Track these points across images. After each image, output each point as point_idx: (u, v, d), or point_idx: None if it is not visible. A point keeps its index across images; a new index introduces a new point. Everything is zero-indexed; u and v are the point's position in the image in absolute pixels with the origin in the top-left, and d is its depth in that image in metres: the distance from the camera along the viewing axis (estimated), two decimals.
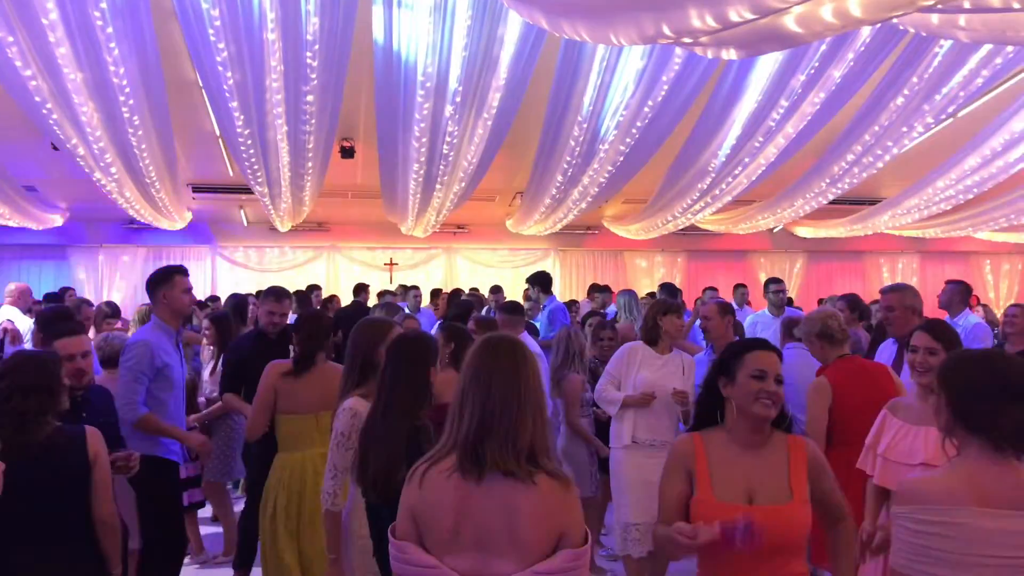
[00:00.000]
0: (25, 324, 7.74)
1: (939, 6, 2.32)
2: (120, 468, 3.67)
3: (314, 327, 4.46)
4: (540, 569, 2.14)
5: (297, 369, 4.32)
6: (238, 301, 7.41)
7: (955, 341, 3.39)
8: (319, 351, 4.39)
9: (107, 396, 4.03)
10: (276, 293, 5.45)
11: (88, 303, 8.14)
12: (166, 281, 4.64)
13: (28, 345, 7.59)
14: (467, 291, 10.93)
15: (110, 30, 5.22)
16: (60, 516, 2.99)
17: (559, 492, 2.18)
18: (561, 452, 5.66)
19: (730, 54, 3.07)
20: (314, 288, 11.28)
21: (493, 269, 14.66)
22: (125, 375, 4.38)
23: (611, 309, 9.46)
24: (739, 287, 10.65)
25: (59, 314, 5.14)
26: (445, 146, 7.31)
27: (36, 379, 3.03)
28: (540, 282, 8.77)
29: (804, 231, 14.42)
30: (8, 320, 7.08)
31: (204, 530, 6.13)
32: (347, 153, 9.24)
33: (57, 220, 11.85)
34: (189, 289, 4.77)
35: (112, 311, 8.16)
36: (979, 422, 2.23)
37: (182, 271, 4.76)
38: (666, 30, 2.66)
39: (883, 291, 5.08)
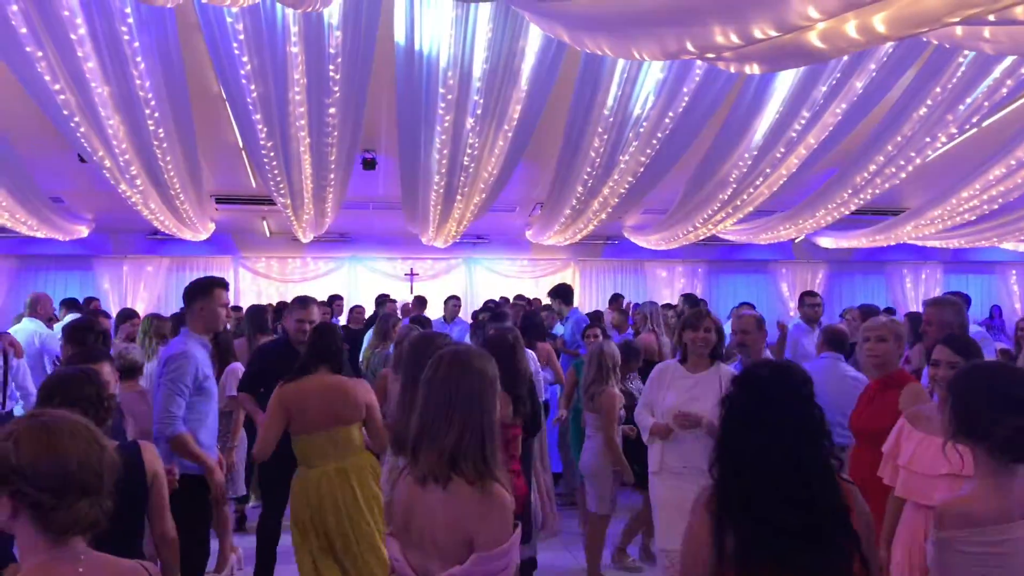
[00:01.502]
0: (40, 335, 7.83)
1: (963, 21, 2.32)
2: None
3: (318, 340, 4.51)
4: (455, 572, 2.26)
5: (295, 375, 4.36)
6: (256, 312, 7.41)
7: (977, 354, 3.35)
8: (322, 364, 4.43)
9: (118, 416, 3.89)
10: (303, 300, 5.49)
11: (106, 315, 8.22)
12: (206, 293, 4.56)
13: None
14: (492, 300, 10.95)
15: (136, 44, 5.29)
16: (120, 537, 2.97)
17: (474, 498, 2.29)
18: (584, 467, 5.65)
19: (753, 69, 3.07)
20: (335, 298, 11.30)
21: (513, 279, 14.67)
22: (165, 388, 4.24)
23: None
24: (808, 294, 10.10)
25: (85, 326, 5.17)
26: (466, 158, 7.34)
27: (85, 391, 2.96)
28: (561, 295, 8.83)
29: (826, 242, 14.33)
30: (5, 332, 7.12)
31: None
32: (369, 165, 9.29)
33: (83, 231, 11.97)
34: (227, 304, 4.71)
35: (129, 313, 8.36)
36: (977, 430, 2.32)
37: (223, 284, 4.68)
38: (689, 46, 2.66)
39: (925, 303, 4.96)
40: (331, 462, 4.28)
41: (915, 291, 15.93)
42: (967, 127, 7.33)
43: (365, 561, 4.20)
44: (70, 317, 8.18)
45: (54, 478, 1.71)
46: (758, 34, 2.34)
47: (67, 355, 4.88)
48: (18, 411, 6.50)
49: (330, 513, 4.19)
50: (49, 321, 8.14)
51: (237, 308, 10.86)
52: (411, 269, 14.38)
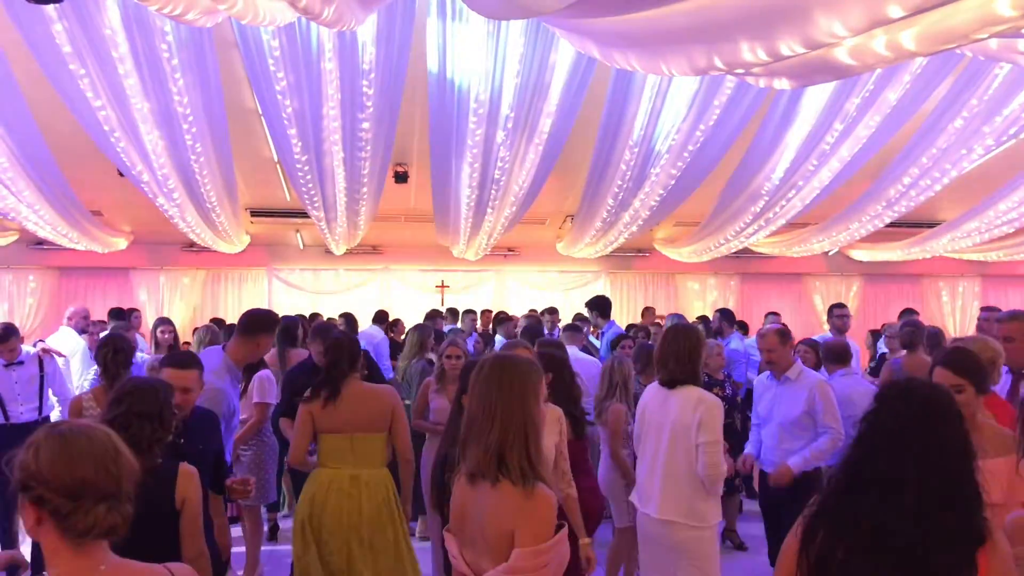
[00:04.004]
0: (76, 344, 8.04)
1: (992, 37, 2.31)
2: (237, 492, 3.70)
3: (338, 354, 4.45)
4: (499, 569, 2.37)
5: (324, 397, 4.35)
6: (289, 325, 7.39)
7: (980, 371, 3.13)
8: (344, 378, 4.40)
9: (207, 421, 3.87)
10: (323, 334, 5.50)
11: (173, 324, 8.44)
12: (272, 328, 4.71)
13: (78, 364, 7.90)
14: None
15: (175, 61, 5.41)
16: (144, 558, 2.99)
17: (515, 496, 2.38)
18: (600, 481, 5.63)
19: (782, 84, 3.07)
20: (385, 316, 11.16)
21: (543, 291, 14.68)
22: None
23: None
24: (908, 311, 9.37)
25: (103, 343, 5.22)
26: (497, 171, 7.38)
27: (151, 406, 3.00)
28: (599, 307, 8.75)
29: (860, 254, 14.18)
30: (41, 340, 7.36)
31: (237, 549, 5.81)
32: (401, 178, 9.38)
33: (121, 243, 12.20)
34: None
35: (163, 320, 8.69)
36: None
37: None
38: (717, 62, 2.68)
39: (1000, 319, 4.75)
40: (347, 468, 4.31)
41: (952, 304, 15.69)
42: (1004, 139, 7.24)
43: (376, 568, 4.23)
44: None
45: (70, 483, 1.77)
46: (785, 51, 2.35)
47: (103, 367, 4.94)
48: (55, 416, 6.65)
49: (329, 516, 4.22)
50: (83, 333, 8.35)
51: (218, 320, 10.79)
52: (442, 281, 14.45)
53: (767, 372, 5.35)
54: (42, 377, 6.43)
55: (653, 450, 4.20)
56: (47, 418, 6.45)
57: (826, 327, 8.38)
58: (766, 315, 10.25)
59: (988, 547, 2.05)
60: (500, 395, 2.46)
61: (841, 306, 8.31)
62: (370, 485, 4.31)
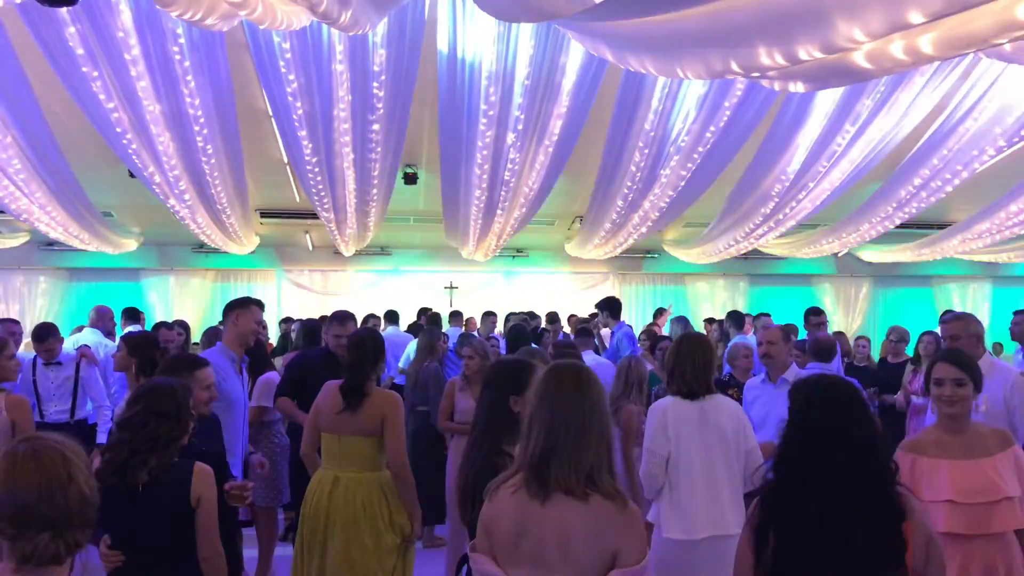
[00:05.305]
0: (104, 346, 7.99)
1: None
2: (235, 498, 3.68)
3: (358, 355, 4.26)
4: None
5: (347, 402, 4.15)
6: (311, 326, 7.36)
7: (978, 370, 3.27)
8: (367, 381, 4.22)
9: (206, 423, 3.85)
10: (340, 317, 5.53)
11: (167, 325, 8.37)
12: (243, 306, 4.89)
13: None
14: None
15: (187, 64, 5.43)
16: (161, 554, 2.99)
17: (613, 512, 2.27)
18: None
19: (797, 87, 3.06)
20: (397, 317, 11.13)
21: (552, 293, 14.66)
22: None
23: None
24: (950, 313, 9.21)
25: (148, 340, 5.26)
26: (506, 173, 7.38)
27: (168, 406, 3.02)
28: (609, 307, 8.73)
29: (870, 256, 14.12)
30: (85, 344, 7.27)
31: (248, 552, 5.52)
32: (410, 179, 9.39)
33: (131, 245, 12.24)
34: (260, 321, 5.01)
35: (171, 325, 8.52)
36: None
37: (261, 304, 5.04)
38: (734, 66, 2.67)
39: (946, 319, 5.10)
40: (332, 469, 4.20)
41: (963, 306, 15.61)
42: (1015, 140, 7.20)
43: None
44: (131, 328, 8.30)
45: (12, 509, 1.73)
46: (803, 55, 2.34)
47: (122, 362, 4.93)
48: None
49: (311, 517, 4.16)
50: (109, 335, 8.26)
51: (289, 320, 10.99)
52: (451, 282, 14.45)
53: (759, 376, 5.23)
54: (77, 380, 6.46)
55: (703, 468, 3.91)
56: (80, 421, 6.48)
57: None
58: (757, 316, 9.95)
59: (910, 522, 2.26)
60: (594, 408, 2.36)
61: (818, 312, 8.03)
62: (349, 488, 4.12)
